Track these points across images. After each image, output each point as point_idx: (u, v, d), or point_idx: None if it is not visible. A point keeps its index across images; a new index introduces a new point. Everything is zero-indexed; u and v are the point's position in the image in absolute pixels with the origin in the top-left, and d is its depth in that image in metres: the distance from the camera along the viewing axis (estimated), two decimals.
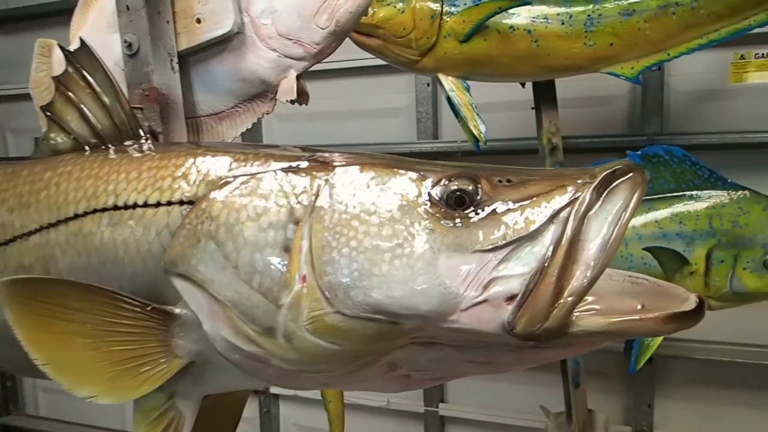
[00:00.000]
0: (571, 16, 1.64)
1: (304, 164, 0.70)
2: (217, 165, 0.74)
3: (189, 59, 0.96)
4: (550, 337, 0.61)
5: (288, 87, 0.91)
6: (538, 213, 0.62)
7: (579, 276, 0.60)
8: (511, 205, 0.64)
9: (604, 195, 0.62)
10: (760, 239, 1.64)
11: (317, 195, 0.67)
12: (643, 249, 1.66)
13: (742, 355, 2.16)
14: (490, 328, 0.61)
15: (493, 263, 0.61)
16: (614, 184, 0.62)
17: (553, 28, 1.65)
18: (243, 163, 0.72)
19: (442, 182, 0.65)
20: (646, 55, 1.68)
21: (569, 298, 0.60)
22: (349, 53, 2.55)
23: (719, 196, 1.67)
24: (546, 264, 0.60)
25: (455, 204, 0.64)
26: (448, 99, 1.74)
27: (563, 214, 0.62)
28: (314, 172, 0.69)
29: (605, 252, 0.60)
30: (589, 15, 1.64)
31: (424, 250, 0.62)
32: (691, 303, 0.60)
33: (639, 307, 0.63)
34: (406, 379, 0.71)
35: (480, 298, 0.61)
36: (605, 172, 0.63)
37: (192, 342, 0.73)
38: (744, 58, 2.31)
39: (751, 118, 2.17)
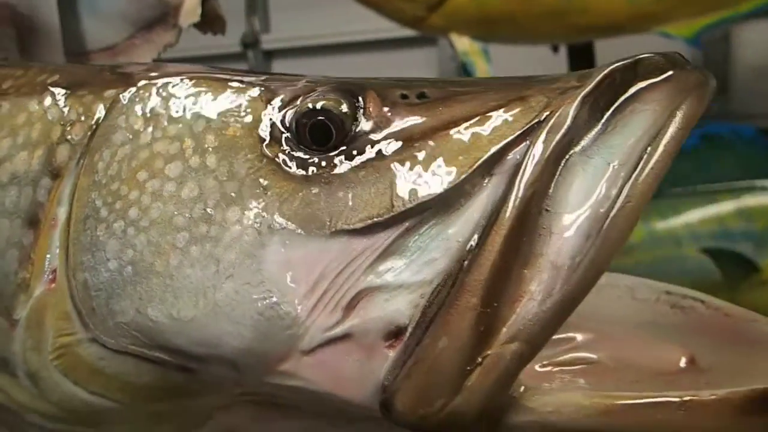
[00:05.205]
0: None
1: (91, 78, 0.43)
2: None
3: None
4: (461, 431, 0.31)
5: (190, 7, 0.67)
6: (465, 154, 0.32)
7: (536, 292, 0.30)
8: (417, 141, 0.34)
9: (607, 116, 0.32)
10: None
11: (95, 128, 0.40)
12: (701, 251, 1.33)
13: None
14: (353, 392, 0.32)
15: (367, 259, 0.32)
16: (632, 91, 0.31)
17: None
18: None
19: (297, 101, 0.37)
20: (706, 12, 1.39)
21: (511, 345, 0.29)
22: (363, 23, 2.37)
23: None
24: (466, 264, 0.31)
25: (312, 139, 0.36)
26: (463, 66, 1.48)
27: (513, 153, 0.32)
28: (100, 92, 0.41)
29: (602, 237, 0.29)
30: None
31: (243, 228, 0.34)
32: None
33: (683, 363, 0.33)
34: None
35: (337, 331, 0.32)
36: (609, 69, 0.32)
37: None
38: None
39: None
